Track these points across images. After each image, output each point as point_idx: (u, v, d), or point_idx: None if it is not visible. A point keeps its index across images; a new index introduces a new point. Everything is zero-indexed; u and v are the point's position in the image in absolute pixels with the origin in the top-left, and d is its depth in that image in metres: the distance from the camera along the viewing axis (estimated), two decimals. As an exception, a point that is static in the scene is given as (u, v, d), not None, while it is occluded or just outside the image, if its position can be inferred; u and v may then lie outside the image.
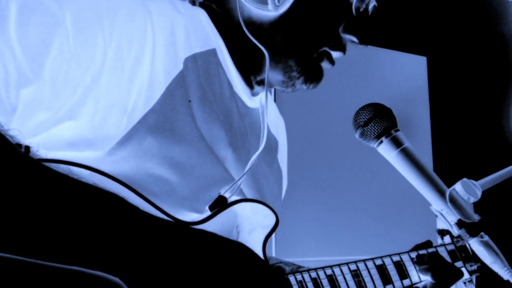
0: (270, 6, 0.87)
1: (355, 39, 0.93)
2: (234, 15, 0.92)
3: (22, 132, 0.61)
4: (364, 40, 0.93)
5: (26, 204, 0.52)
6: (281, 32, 0.90)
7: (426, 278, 1.00)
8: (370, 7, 0.94)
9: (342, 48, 0.94)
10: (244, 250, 0.67)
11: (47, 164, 0.58)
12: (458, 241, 1.10)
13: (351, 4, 0.92)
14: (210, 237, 0.67)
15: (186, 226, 0.67)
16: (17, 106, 0.65)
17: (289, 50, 0.91)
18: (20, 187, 0.52)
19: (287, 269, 1.03)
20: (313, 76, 0.95)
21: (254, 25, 0.90)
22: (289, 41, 0.91)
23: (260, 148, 0.91)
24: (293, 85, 0.95)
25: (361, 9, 0.93)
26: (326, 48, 0.93)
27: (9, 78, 0.63)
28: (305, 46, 0.92)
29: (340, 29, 0.93)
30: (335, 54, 0.95)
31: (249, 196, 0.95)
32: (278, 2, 0.86)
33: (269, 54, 0.91)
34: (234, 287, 0.63)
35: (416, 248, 1.07)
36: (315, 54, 0.93)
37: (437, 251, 1.06)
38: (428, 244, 1.09)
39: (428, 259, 1.01)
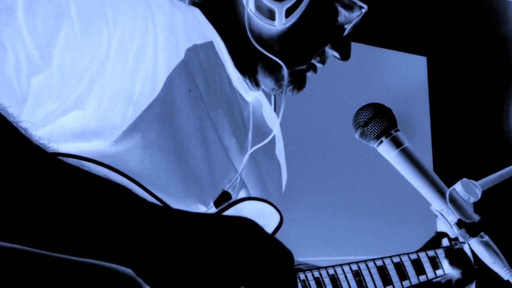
0: (277, 23, 0.89)
1: (338, 56, 0.99)
2: (237, 20, 0.94)
3: (33, 123, 0.62)
4: (346, 58, 0.99)
5: (39, 196, 0.53)
6: (280, 45, 0.93)
7: (451, 272, 1.04)
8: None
9: (324, 62, 1.01)
10: (252, 226, 0.68)
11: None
12: (456, 244, 1.11)
13: (344, 26, 0.97)
14: (219, 221, 0.67)
15: (194, 214, 0.68)
16: (28, 95, 0.66)
17: (285, 62, 0.94)
18: (33, 179, 0.53)
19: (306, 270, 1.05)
20: (300, 85, 1.00)
21: (253, 32, 0.92)
22: (286, 53, 0.94)
23: (261, 144, 0.94)
24: (281, 92, 0.99)
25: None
26: (313, 61, 0.99)
27: (20, 67, 0.64)
28: (300, 59, 0.96)
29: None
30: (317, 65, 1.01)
31: (251, 187, 0.96)
32: (285, 20, 0.89)
33: (266, 62, 0.94)
34: (244, 272, 0.63)
35: (427, 245, 1.09)
36: (305, 66, 0.98)
37: (462, 248, 1.08)
38: (437, 237, 1.11)
39: (458, 255, 1.04)
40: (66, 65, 0.69)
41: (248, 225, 0.68)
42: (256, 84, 1.00)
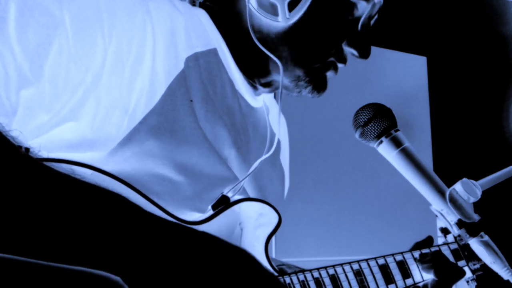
0: (280, 18, 0.86)
1: (355, 53, 0.93)
2: (241, 21, 0.91)
3: (23, 133, 0.61)
4: (365, 55, 0.93)
5: (27, 204, 0.52)
6: (289, 43, 0.90)
7: (429, 277, 1.01)
8: (372, 21, 0.95)
9: (343, 60, 0.95)
10: (247, 258, 0.67)
11: (49, 164, 0.58)
12: (461, 239, 1.10)
13: (359, 20, 0.92)
14: (213, 240, 0.66)
15: (189, 227, 0.67)
16: (17, 108, 0.64)
17: (296, 61, 0.91)
18: (22, 188, 0.52)
19: (289, 271, 1.03)
20: (320, 86, 0.95)
21: (262, 33, 0.89)
22: (296, 53, 0.91)
23: (267, 154, 0.91)
24: (299, 92, 0.95)
25: (365, 24, 0.93)
26: (332, 59, 0.94)
27: (9, 79, 0.63)
28: (312, 58, 0.92)
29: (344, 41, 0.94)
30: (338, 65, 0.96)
31: (252, 195, 0.95)
32: (289, 15, 0.86)
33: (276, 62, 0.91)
34: None
35: (417, 245, 1.07)
36: (322, 64, 0.93)
37: (440, 250, 1.07)
38: (429, 240, 1.09)
39: (431, 257, 1.01)
40: (59, 77, 0.67)
41: (245, 258, 0.66)
42: (268, 85, 0.96)
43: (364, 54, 0.93)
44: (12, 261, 0.49)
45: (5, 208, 0.50)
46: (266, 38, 0.90)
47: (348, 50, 0.94)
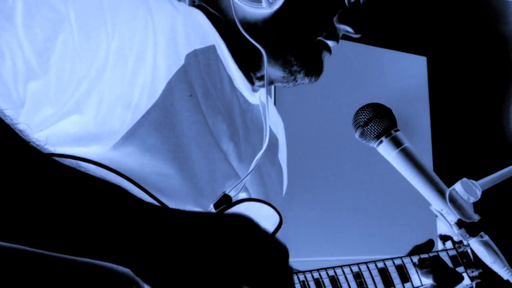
0: (264, 4, 0.88)
1: (349, 29, 0.94)
2: (228, 15, 0.93)
3: (30, 126, 0.62)
4: (359, 30, 0.93)
5: (35, 196, 0.53)
6: (276, 28, 0.91)
7: (428, 282, 1.01)
8: None
9: (335, 37, 0.95)
10: (248, 223, 0.66)
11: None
12: (460, 246, 1.10)
13: None
14: (215, 219, 0.66)
15: (193, 214, 0.67)
16: (25, 100, 0.66)
17: (286, 45, 0.92)
18: (29, 180, 0.53)
19: None
20: (314, 69, 0.95)
21: (249, 24, 0.91)
22: (285, 36, 0.92)
23: (264, 147, 0.92)
24: (294, 79, 0.96)
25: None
26: (321, 38, 0.94)
27: (17, 71, 0.65)
28: (301, 39, 0.92)
29: (335, 19, 0.94)
30: (329, 43, 0.96)
31: (253, 192, 0.96)
32: None
33: (267, 51, 0.92)
34: (242, 269, 0.62)
35: (416, 248, 1.07)
36: (312, 46, 0.94)
37: (438, 255, 1.07)
38: (430, 243, 1.09)
39: (429, 262, 1.01)
40: (64, 70, 0.69)
41: (244, 222, 0.66)
42: (262, 78, 0.97)
43: (358, 29, 0.93)
44: (22, 252, 0.50)
45: (13, 199, 0.51)
46: (254, 27, 0.91)
47: (343, 28, 0.94)
